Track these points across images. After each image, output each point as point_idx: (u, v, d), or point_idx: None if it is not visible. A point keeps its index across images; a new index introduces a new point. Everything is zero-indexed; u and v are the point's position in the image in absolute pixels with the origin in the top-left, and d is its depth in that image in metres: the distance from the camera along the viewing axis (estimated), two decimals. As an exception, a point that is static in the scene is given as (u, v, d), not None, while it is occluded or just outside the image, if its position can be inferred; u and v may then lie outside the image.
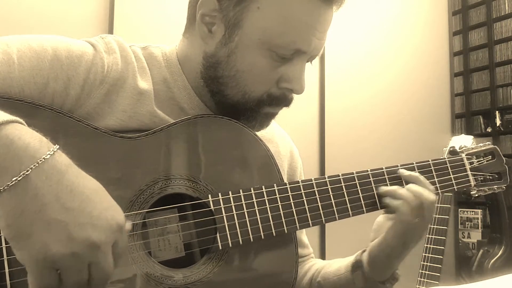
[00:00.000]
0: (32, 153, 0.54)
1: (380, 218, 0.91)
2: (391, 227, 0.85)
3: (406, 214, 0.82)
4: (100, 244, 0.54)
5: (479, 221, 4.09)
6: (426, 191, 0.84)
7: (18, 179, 0.52)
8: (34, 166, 0.53)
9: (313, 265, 1.02)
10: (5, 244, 0.62)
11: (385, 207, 0.85)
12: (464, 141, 1.30)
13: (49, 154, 0.55)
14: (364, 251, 0.92)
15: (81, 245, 0.53)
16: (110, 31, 2.03)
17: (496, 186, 0.98)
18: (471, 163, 0.96)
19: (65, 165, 0.56)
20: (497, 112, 4.40)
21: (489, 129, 4.49)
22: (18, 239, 0.53)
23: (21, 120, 0.58)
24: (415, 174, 0.87)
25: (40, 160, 0.54)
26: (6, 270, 0.61)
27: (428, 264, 1.71)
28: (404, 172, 0.87)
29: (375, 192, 0.85)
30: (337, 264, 0.96)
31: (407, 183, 0.86)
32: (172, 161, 0.76)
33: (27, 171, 0.53)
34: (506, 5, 4.31)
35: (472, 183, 0.95)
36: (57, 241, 0.52)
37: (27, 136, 0.56)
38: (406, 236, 0.84)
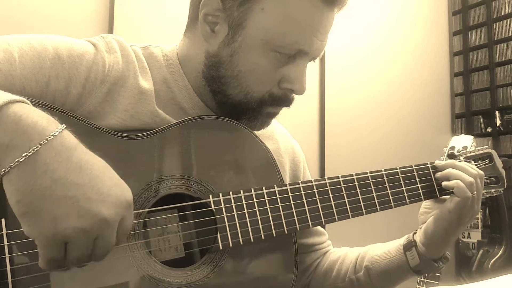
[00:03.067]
0: (40, 130, 0.55)
1: (427, 202, 0.94)
2: (447, 203, 0.88)
3: (463, 190, 0.86)
4: (109, 220, 0.55)
5: (479, 221, 4.09)
6: (472, 169, 0.90)
7: (29, 154, 0.53)
8: (43, 142, 0.54)
9: (348, 253, 1.01)
10: (7, 242, 0.62)
11: (429, 197, 0.91)
12: (464, 141, 1.30)
13: (57, 131, 0.56)
14: (414, 233, 0.94)
15: (91, 221, 0.54)
16: (110, 31, 2.03)
17: (494, 190, 0.98)
18: (469, 166, 0.96)
19: (74, 143, 0.57)
20: (497, 112, 4.41)
21: (489, 129, 4.49)
22: (29, 215, 0.53)
23: (27, 101, 0.58)
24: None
25: (49, 137, 0.55)
26: (8, 268, 0.62)
27: (428, 264, 1.70)
28: (440, 162, 0.93)
29: (374, 194, 0.86)
30: (383, 248, 0.97)
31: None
32: (173, 161, 0.76)
33: (37, 147, 0.53)
34: (506, 5, 4.31)
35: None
36: (67, 217, 0.53)
37: (35, 115, 0.56)
38: (461, 211, 0.87)
